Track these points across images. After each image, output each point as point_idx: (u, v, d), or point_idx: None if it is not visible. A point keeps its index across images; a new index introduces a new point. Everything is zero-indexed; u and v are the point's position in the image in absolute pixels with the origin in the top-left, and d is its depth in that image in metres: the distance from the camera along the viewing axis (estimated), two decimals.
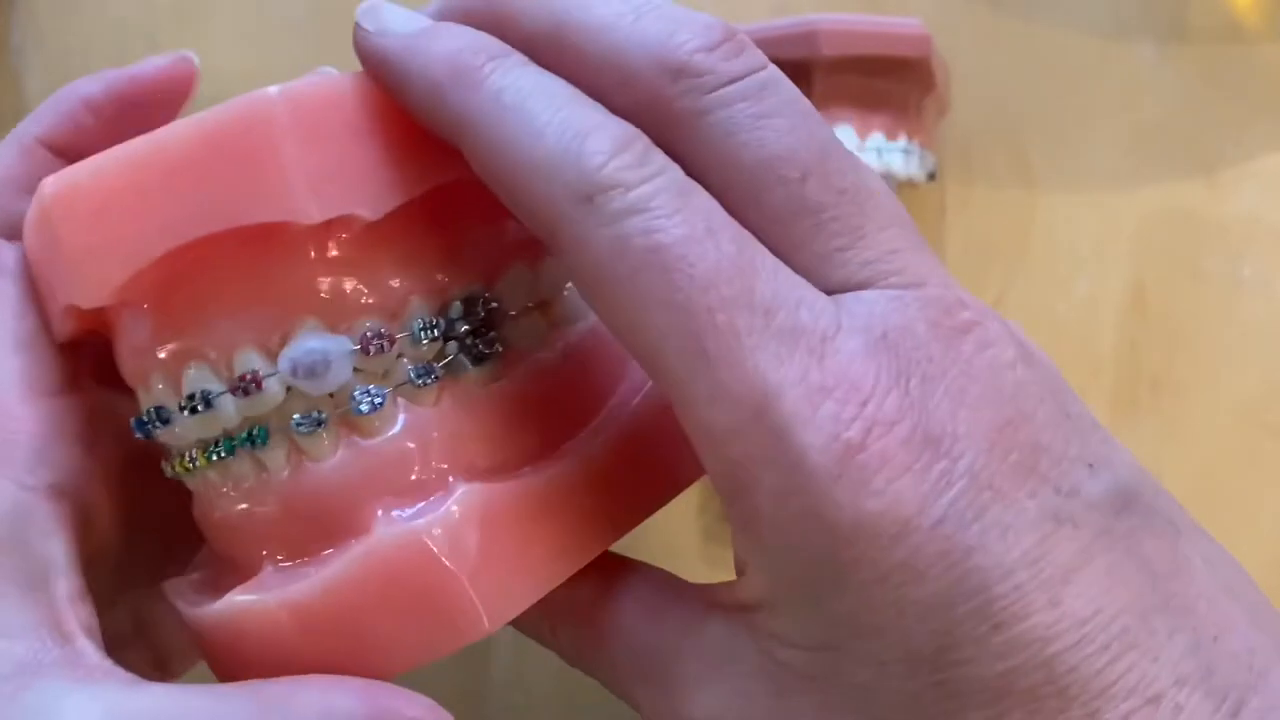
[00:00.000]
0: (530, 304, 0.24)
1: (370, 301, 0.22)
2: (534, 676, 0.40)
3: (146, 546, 0.28)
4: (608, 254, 0.20)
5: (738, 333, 0.19)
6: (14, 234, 0.25)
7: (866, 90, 0.36)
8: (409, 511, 0.22)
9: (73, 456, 0.24)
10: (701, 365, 0.19)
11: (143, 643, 0.28)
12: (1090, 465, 0.20)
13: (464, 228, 0.24)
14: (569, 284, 0.25)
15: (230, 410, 0.22)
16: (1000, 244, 0.41)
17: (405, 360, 0.23)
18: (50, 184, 0.22)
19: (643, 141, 0.20)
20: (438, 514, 0.22)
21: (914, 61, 0.36)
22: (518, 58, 0.21)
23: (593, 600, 0.24)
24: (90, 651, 0.22)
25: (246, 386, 0.22)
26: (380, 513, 0.22)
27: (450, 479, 0.22)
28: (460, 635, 0.22)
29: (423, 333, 0.22)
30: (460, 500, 0.22)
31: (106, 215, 0.22)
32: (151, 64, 0.25)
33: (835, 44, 0.35)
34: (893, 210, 0.22)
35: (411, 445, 0.22)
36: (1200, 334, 0.40)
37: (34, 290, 0.24)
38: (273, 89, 0.21)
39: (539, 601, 0.23)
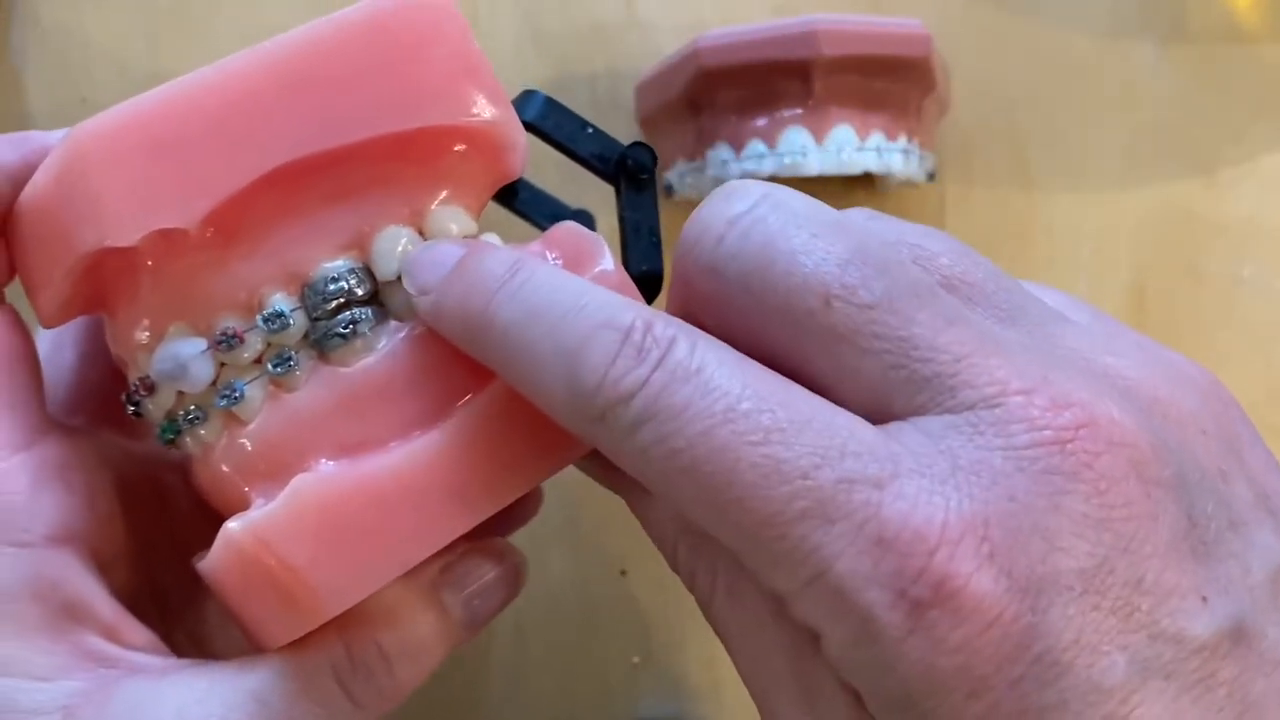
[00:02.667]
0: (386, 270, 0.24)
1: (225, 299, 0.24)
2: (533, 674, 0.40)
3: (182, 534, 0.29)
4: (638, 465, 0.20)
5: (775, 508, 0.18)
6: None
7: (866, 90, 0.36)
8: (267, 499, 0.23)
9: (62, 499, 0.24)
10: (751, 545, 0.19)
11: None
12: (1204, 598, 0.19)
13: (316, 203, 0.24)
14: (475, 233, 0.25)
15: (149, 406, 0.25)
16: (1000, 244, 0.41)
17: (273, 348, 0.24)
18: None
19: (640, 326, 0.19)
20: (273, 505, 0.23)
21: (914, 61, 0.36)
22: (521, 274, 0.22)
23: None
24: (147, 660, 0.24)
25: (139, 388, 0.24)
26: (254, 499, 0.23)
27: (317, 461, 0.23)
28: (307, 615, 0.22)
29: (270, 323, 0.23)
30: (294, 490, 0.22)
31: (26, 252, 0.25)
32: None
33: (835, 44, 0.35)
34: (942, 306, 0.20)
35: (275, 430, 0.23)
36: (1200, 334, 0.40)
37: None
38: (88, 119, 0.23)
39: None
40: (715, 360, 0.19)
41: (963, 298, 0.21)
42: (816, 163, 0.36)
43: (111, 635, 0.24)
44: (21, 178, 0.25)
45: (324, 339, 0.23)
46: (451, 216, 0.25)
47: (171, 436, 0.25)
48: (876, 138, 0.36)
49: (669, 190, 0.39)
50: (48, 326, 0.25)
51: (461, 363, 0.23)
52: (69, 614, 0.23)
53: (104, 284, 0.24)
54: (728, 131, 0.37)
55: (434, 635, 0.25)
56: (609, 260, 0.24)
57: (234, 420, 0.24)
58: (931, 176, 0.38)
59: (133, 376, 0.25)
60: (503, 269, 0.22)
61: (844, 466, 0.18)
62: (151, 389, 0.24)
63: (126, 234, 0.22)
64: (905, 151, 0.37)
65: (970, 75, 0.41)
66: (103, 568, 0.25)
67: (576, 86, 0.41)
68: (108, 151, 0.23)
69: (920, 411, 0.19)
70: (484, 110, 0.24)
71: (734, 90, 0.36)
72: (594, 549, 0.40)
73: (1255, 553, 0.20)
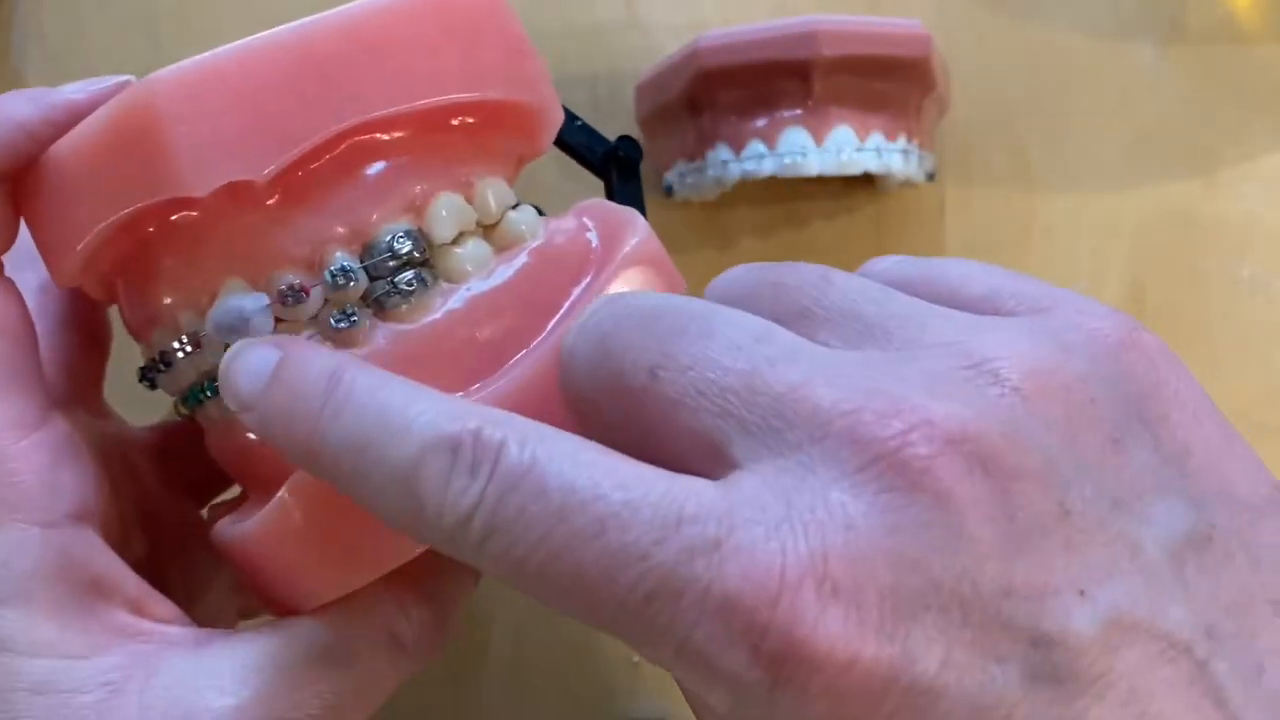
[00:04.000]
0: (465, 230, 0.25)
1: (287, 255, 0.24)
2: (533, 675, 0.40)
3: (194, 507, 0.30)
4: (498, 576, 0.19)
5: (624, 596, 0.18)
6: None
7: (866, 90, 0.36)
8: None
9: (79, 476, 0.25)
10: (614, 629, 0.19)
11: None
12: (1082, 592, 0.18)
13: (380, 165, 0.24)
14: (514, 204, 0.26)
15: (186, 367, 0.25)
16: (1000, 244, 0.41)
17: (332, 305, 0.24)
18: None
19: (469, 439, 0.19)
20: (272, 503, 0.23)
21: (914, 62, 0.36)
22: (340, 391, 0.21)
23: None
24: (179, 632, 0.24)
25: (185, 346, 0.25)
26: None
27: None
28: (375, 565, 0.23)
29: (336, 279, 0.24)
30: (290, 489, 0.23)
31: (51, 211, 0.24)
32: (88, 87, 0.25)
33: (835, 44, 0.35)
34: (766, 347, 0.20)
35: None
36: (1199, 334, 0.40)
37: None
38: (157, 73, 0.23)
39: None
40: (546, 455, 0.19)
41: (817, 324, 0.21)
42: (816, 163, 0.36)
43: (139, 609, 0.24)
44: (42, 135, 0.24)
45: (386, 296, 0.24)
46: (494, 187, 0.25)
47: (199, 400, 0.25)
48: (876, 138, 0.36)
49: (669, 190, 0.39)
50: (64, 285, 0.25)
51: (517, 318, 0.24)
52: (97, 591, 0.24)
53: (136, 243, 0.24)
54: (728, 132, 0.37)
55: (459, 584, 0.26)
56: (644, 227, 0.26)
57: None
58: (931, 177, 0.38)
59: (162, 340, 0.25)
60: (322, 382, 0.21)
61: (682, 535, 0.18)
62: (198, 346, 0.24)
63: (199, 184, 0.23)
64: (905, 152, 0.37)
65: (970, 75, 0.41)
66: (124, 539, 0.25)
67: (576, 86, 0.41)
68: (182, 102, 0.23)
69: (756, 458, 0.19)
70: (537, 88, 0.26)
71: (734, 90, 0.36)
72: None
73: (1150, 529, 0.19)
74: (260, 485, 0.25)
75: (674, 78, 0.37)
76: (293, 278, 0.24)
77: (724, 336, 0.20)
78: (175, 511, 0.29)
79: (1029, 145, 0.41)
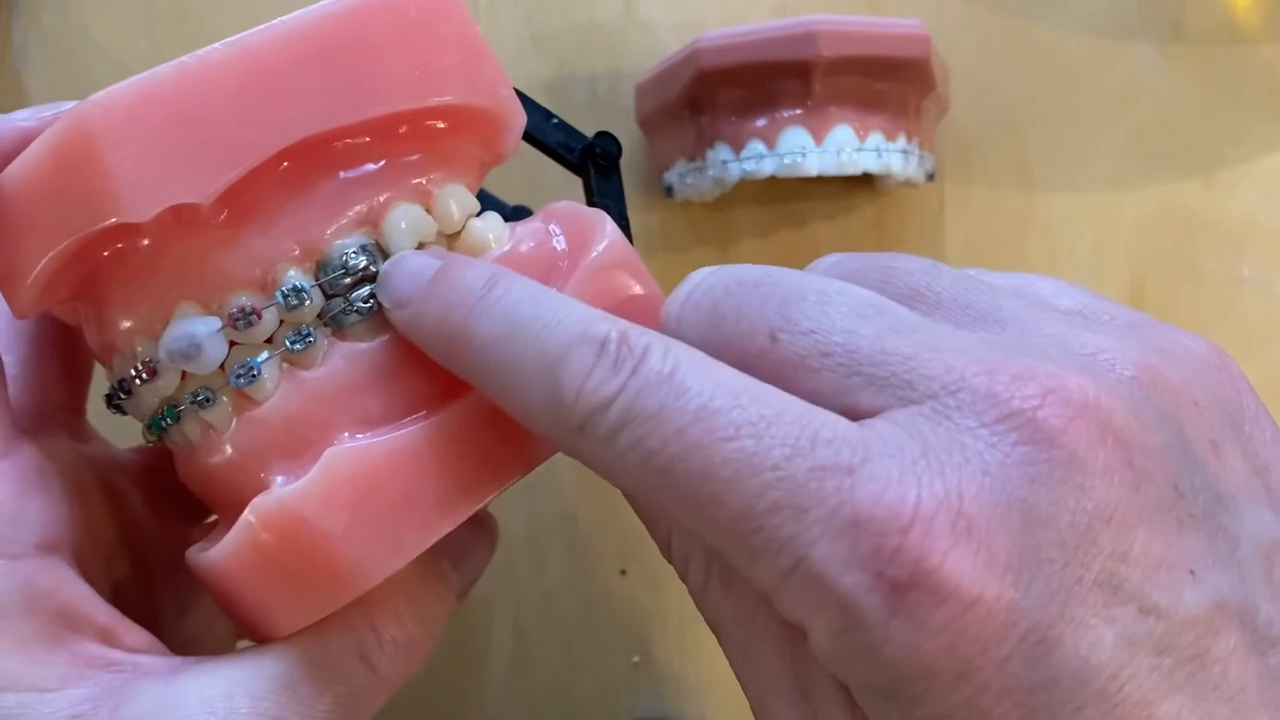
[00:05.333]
0: (424, 242, 0.24)
1: (238, 277, 0.23)
2: (534, 675, 0.40)
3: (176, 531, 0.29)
4: (616, 471, 0.20)
5: (750, 502, 0.18)
6: None
7: (866, 91, 0.36)
8: (294, 475, 0.23)
9: (48, 505, 0.24)
10: (730, 541, 0.19)
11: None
12: (1192, 571, 0.18)
13: (330, 180, 0.24)
14: (478, 211, 0.25)
15: (146, 395, 0.24)
16: (1000, 244, 0.41)
17: (287, 325, 0.23)
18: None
19: (616, 336, 0.20)
20: (306, 479, 0.22)
21: (913, 62, 0.36)
22: (497, 290, 0.22)
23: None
24: (151, 661, 0.24)
25: (141, 374, 0.24)
26: (275, 477, 0.23)
27: (340, 434, 0.23)
28: (343, 591, 0.23)
29: (289, 299, 0.23)
30: (329, 463, 0.22)
31: (2, 242, 0.24)
32: (38, 114, 0.25)
33: (835, 44, 0.35)
34: (888, 318, 0.20)
35: (295, 408, 0.23)
36: (1199, 333, 0.40)
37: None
38: (92, 96, 0.22)
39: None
40: (688, 363, 0.20)
41: (926, 307, 0.22)
42: (816, 163, 0.36)
43: (110, 639, 0.24)
44: None
45: (342, 314, 0.23)
46: (455, 195, 0.25)
47: (162, 428, 0.24)
48: (876, 138, 0.36)
49: (669, 191, 0.39)
50: (21, 317, 0.25)
51: None
52: (66, 622, 0.23)
53: (90, 270, 0.24)
54: (728, 132, 0.37)
55: (440, 601, 0.25)
56: (612, 230, 0.25)
57: (246, 401, 0.23)
58: (931, 177, 0.39)
59: (121, 367, 0.25)
60: (480, 282, 0.22)
61: (815, 455, 0.18)
62: (153, 374, 0.24)
63: (140, 210, 0.22)
64: (905, 152, 0.37)
65: (970, 75, 0.41)
66: (84, 573, 0.25)
67: (576, 86, 0.41)
68: (119, 126, 0.22)
69: (887, 408, 0.19)
70: (493, 91, 0.25)
71: (734, 90, 0.36)
72: (593, 549, 0.40)
73: (1245, 528, 0.19)
74: (229, 510, 0.24)
75: (674, 78, 0.37)
76: (245, 299, 0.23)
77: (844, 304, 0.20)
78: (163, 533, 0.29)
79: (1029, 145, 0.41)
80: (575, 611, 0.40)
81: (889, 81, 0.36)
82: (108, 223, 0.22)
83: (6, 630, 0.23)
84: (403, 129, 0.24)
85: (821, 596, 0.18)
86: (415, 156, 0.24)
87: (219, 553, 0.23)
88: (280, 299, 0.23)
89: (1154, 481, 0.19)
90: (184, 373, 0.24)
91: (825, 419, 0.19)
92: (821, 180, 0.39)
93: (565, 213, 0.25)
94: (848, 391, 0.20)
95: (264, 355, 0.23)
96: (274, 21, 0.23)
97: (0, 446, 0.24)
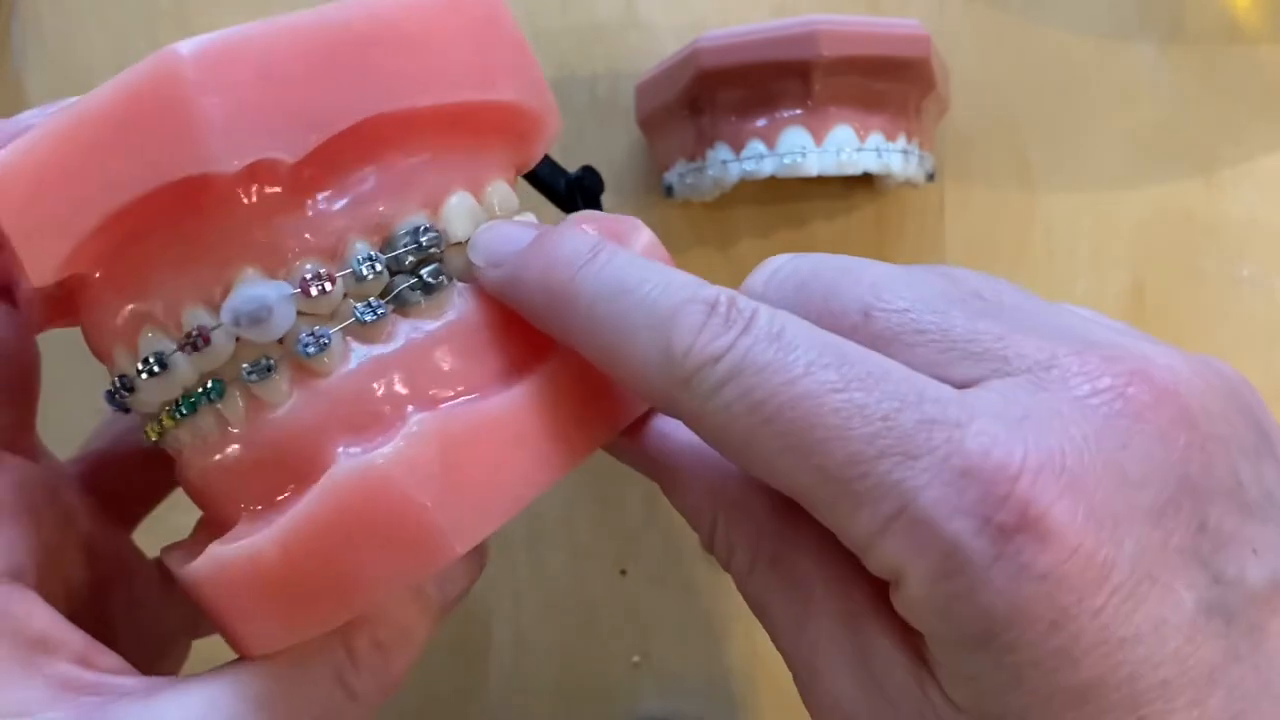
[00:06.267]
0: (460, 230, 0.24)
1: (308, 243, 0.23)
2: (534, 675, 0.40)
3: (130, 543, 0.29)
4: (721, 425, 0.20)
5: (858, 448, 0.19)
6: None
7: (866, 91, 0.36)
8: (367, 446, 0.22)
9: (10, 532, 0.24)
10: (834, 490, 0.20)
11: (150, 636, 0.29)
12: (1255, 550, 0.20)
13: (400, 159, 0.24)
14: (517, 210, 0.26)
15: (185, 368, 0.23)
16: (1000, 244, 0.41)
17: (351, 299, 0.23)
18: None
19: (725, 300, 0.21)
20: (394, 444, 0.22)
21: (913, 62, 0.36)
22: (604, 254, 0.23)
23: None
24: (128, 682, 0.23)
25: (195, 342, 0.23)
26: (340, 450, 0.22)
27: (409, 409, 0.23)
28: (430, 560, 0.22)
29: (364, 267, 0.23)
30: (417, 428, 0.22)
31: (41, 193, 0.22)
32: (46, 114, 0.24)
33: (835, 45, 0.35)
34: (973, 304, 0.21)
35: (365, 381, 0.23)
36: (1199, 334, 0.40)
37: None
38: (179, 44, 0.21)
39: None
40: (796, 325, 0.20)
41: (993, 309, 0.22)
42: (816, 163, 0.36)
43: (84, 662, 0.23)
44: None
45: (410, 290, 0.23)
46: (500, 191, 0.25)
47: (191, 410, 0.23)
48: (876, 138, 0.36)
49: (669, 191, 0.39)
50: (41, 282, 0.23)
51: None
52: (39, 647, 0.23)
53: (133, 232, 0.22)
54: (728, 131, 0.37)
55: (419, 621, 0.25)
56: (646, 230, 0.26)
57: (307, 373, 0.23)
58: (931, 177, 0.39)
59: (152, 344, 0.23)
60: (586, 247, 0.23)
61: (923, 410, 0.19)
62: (206, 342, 0.22)
63: (229, 160, 0.21)
64: (905, 152, 0.37)
65: (970, 75, 0.41)
66: (44, 596, 0.24)
67: (576, 86, 0.41)
68: (210, 73, 0.21)
69: (984, 378, 0.20)
70: (543, 95, 0.26)
71: (734, 90, 0.36)
72: (593, 548, 0.40)
73: None
74: (218, 519, 0.24)
75: (674, 78, 0.37)
76: (318, 267, 0.22)
77: (931, 289, 0.22)
78: (111, 541, 0.29)
79: (1029, 145, 0.41)
80: (575, 611, 0.40)
81: (889, 81, 0.36)
82: (191, 172, 0.21)
83: None
84: (463, 121, 0.24)
85: (926, 541, 0.19)
86: (466, 151, 0.25)
87: (202, 562, 0.22)
88: (355, 266, 0.23)
89: (1221, 466, 0.20)
90: (237, 341, 0.23)
91: (929, 382, 0.20)
92: (821, 180, 0.39)
93: (595, 217, 0.26)
94: (943, 365, 0.21)
95: (335, 326, 0.23)
96: (352, 1, 0.23)
97: None
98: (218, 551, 0.22)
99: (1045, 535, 0.18)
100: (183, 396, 0.23)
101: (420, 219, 0.23)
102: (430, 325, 0.23)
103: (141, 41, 0.41)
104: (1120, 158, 0.41)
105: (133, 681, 0.24)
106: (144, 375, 0.23)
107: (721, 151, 0.37)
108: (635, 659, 0.40)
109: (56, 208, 0.22)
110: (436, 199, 0.24)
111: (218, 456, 0.23)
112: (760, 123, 0.36)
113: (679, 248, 0.41)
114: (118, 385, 0.24)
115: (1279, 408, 0.22)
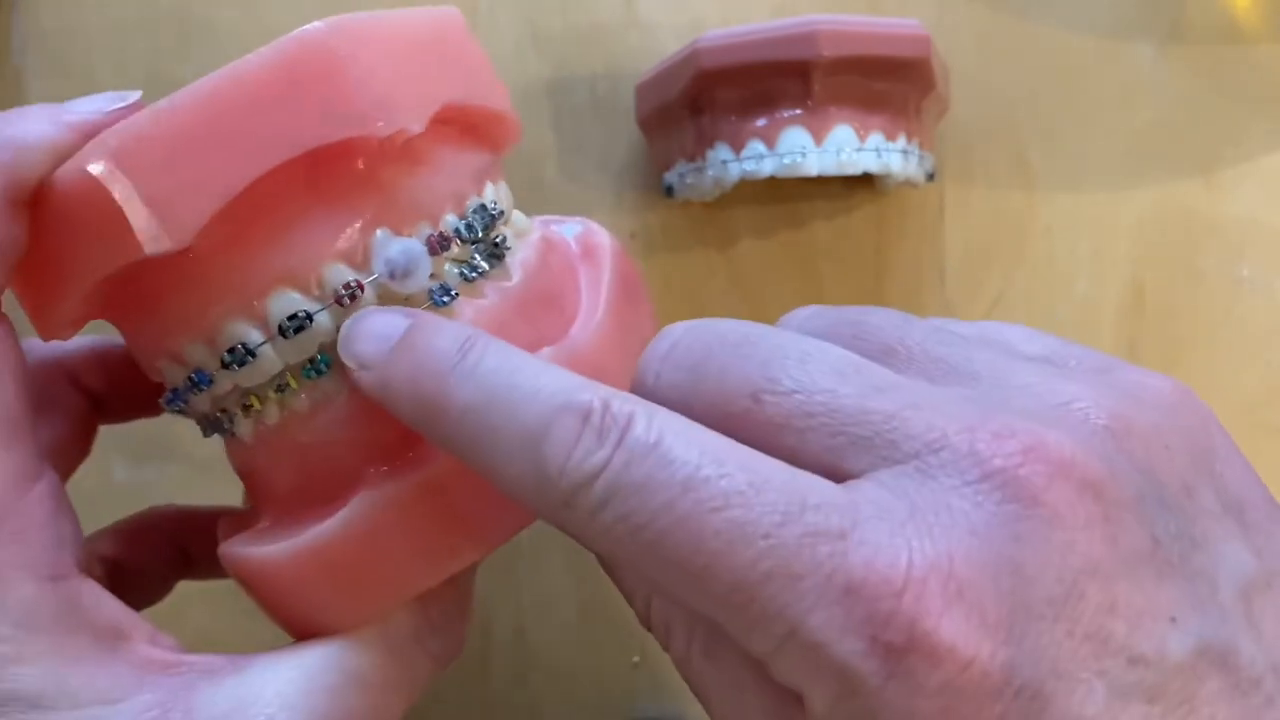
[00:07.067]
0: (504, 209, 0.27)
1: (426, 208, 0.24)
2: (533, 675, 0.40)
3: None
4: (605, 545, 0.20)
5: (741, 573, 0.18)
6: None
7: (866, 91, 0.36)
8: None
9: (73, 525, 0.24)
10: (723, 610, 0.19)
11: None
12: (1173, 619, 0.19)
13: (460, 147, 0.26)
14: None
15: (328, 324, 0.24)
16: (999, 244, 0.41)
17: (448, 263, 0.25)
18: (114, 137, 0.22)
19: (599, 405, 0.20)
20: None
21: (913, 62, 0.36)
22: (473, 354, 0.22)
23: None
24: (205, 660, 0.24)
25: (342, 300, 0.24)
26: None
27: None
28: (329, 627, 0.24)
29: (468, 229, 0.25)
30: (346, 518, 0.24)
31: (183, 158, 0.22)
32: (105, 107, 0.25)
33: (835, 45, 0.35)
34: (867, 376, 0.21)
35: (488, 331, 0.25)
36: (1199, 334, 0.40)
37: (39, 270, 0.24)
38: (318, 24, 0.23)
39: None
40: (673, 431, 0.19)
41: (900, 363, 0.22)
42: (816, 163, 0.36)
43: (154, 643, 0.24)
44: (61, 154, 0.23)
45: (488, 258, 0.25)
46: (504, 189, 0.27)
47: (279, 391, 0.24)
48: (876, 138, 0.36)
49: (669, 191, 0.39)
50: (179, 246, 0.22)
51: (554, 288, 0.27)
52: (116, 634, 0.23)
53: (253, 204, 0.23)
54: (728, 131, 0.37)
55: (470, 586, 0.26)
56: (610, 240, 0.28)
57: None
58: (931, 177, 0.39)
59: (283, 307, 0.23)
60: (454, 347, 0.22)
61: (805, 521, 0.18)
62: (343, 303, 0.23)
63: (384, 123, 0.23)
64: (905, 152, 0.37)
65: (970, 75, 0.41)
66: (119, 582, 0.25)
67: (576, 87, 0.41)
68: (362, 47, 0.23)
69: (872, 468, 0.19)
70: (507, 105, 0.28)
71: (734, 90, 0.36)
72: (587, 547, 0.40)
73: (1223, 568, 0.20)
74: (287, 507, 0.25)
75: (674, 78, 0.37)
76: (428, 229, 0.24)
77: (825, 363, 0.21)
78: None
79: (1029, 145, 0.41)
80: (575, 611, 0.40)
81: (889, 81, 0.36)
82: (352, 134, 0.23)
83: (64, 648, 0.23)
84: (472, 126, 0.27)
85: (818, 664, 0.18)
86: (484, 149, 0.27)
87: (287, 550, 0.24)
88: (460, 231, 0.25)
89: (1131, 533, 0.19)
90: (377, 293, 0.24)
91: (812, 483, 0.19)
92: (821, 180, 0.39)
93: (553, 219, 0.29)
94: (831, 452, 0.20)
95: (455, 277, 0.25)
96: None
97: (35, 466, 0.24)
98: (317, 531, 0.23)
99: (935, 651, 0.18)
100: (312, 357, 0.24)
101: (479, 197, 0.26)
102: (506, 287, 0.25)
103: (141, 42, 0.41)
104: (1120, 158, 0.41)
105: (210, 659, 0.24)
106: (284, 335, 0.24)
107: (721, 151, 0.37)
108: (635, 659, 0.40)
109: (201, 171, 0.22)
110: (483, 181, 0.26)
111: (316, 432, 0.24)
112: (760, 123, 0.36)
113: (679, 248, 0.41)
114: (193, 381, 0.24)
115: None
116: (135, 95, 0.25)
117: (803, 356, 0.21)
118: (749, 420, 0.20)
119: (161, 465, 0.40)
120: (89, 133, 0.24)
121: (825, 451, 0.20)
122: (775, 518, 0.18)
